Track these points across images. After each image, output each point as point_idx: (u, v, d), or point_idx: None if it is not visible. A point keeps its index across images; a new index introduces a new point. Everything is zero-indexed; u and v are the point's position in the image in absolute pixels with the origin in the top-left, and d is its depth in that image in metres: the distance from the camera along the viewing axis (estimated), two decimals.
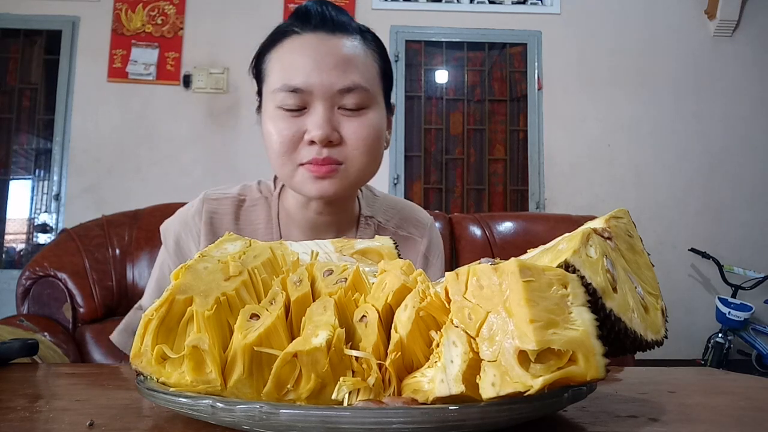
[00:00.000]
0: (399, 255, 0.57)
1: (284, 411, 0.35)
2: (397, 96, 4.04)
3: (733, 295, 3.83)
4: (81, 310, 1.25)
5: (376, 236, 0.60)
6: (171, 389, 0.40)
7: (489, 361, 0.36)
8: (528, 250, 0.47)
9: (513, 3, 4.23)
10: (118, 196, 3.83)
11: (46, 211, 4.00)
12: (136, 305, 0.92)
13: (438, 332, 0.40)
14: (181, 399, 0.38)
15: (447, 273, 0.41)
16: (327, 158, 0.75)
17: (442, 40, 4.22)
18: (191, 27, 4.05)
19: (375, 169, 0.81)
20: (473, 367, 0.37)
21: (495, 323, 0.37)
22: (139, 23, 4.02)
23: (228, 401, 0.37)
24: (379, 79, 0.81)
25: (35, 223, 4.04)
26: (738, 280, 3.84)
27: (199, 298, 0.43)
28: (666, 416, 0.45)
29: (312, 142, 0.75)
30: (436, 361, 0.39)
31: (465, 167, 4.20)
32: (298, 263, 0.51)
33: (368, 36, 0.81)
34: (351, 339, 0.42)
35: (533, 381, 0.34)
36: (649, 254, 0.49)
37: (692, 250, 3.95)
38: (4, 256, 4.02)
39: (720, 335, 3.71)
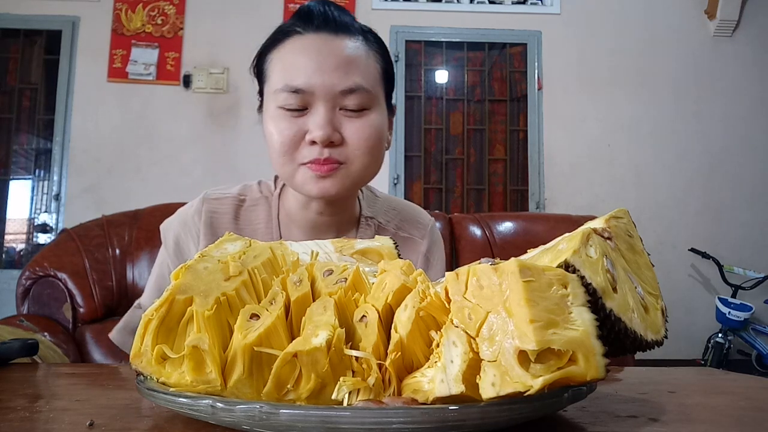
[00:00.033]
0: (399, 255, 0.57)
1: (284, 411, 0.35)
2: (397, 96, 4.04)
3: (733, 295, 3.83)
4: (81, 310, 1.25)
5: (376, 236, 0.60)
6: (171, 389, 0.40)
7: (489, 361, 0.36)
8: (528, 250, 0.47)
9: (513, 3, 4.23)
10: (118, 196, 3.83)
11: (46, 211, 4.00)
12: (135, 304, 0.92)
13: (438, 332, 0.40)
14: (181, 399, 0.38)
15: (447, 273, 0.41)
16: (328, 158, 0.75)
17: (442, 40, 4.22)
18: (191, 27, 4.05)
19: (376, 169, 0.81)
20: (473, 367, 0.37)
21: (495, 323, 0.37)
22: (139, 23, 4.02)
23: (228, 401, 0.37)
24: (381, 80, 0.81)
25: (35, 223, 4.04)
26: (738, 280, 3.84)
27: (199, 298, 0.43)
28: (666, 416, 0.45)
29: (313, 143, 0.75)
30: (436, 361, 0.39)
31: (465, 167, 4.20)
32: (298, 263, 0.51)
33: (370, 37, 0.81)
34: (351, 339, 0.42)
35: (533, 381, 0.34)
36: (649, 254, 0.49)
37: (692, 250, 3.95)
38: (4, 256, 4.02)
39: (720, 335, 3.71)
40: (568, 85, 4.17)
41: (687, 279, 4.10)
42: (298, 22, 0.79)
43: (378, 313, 0.43)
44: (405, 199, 1.45)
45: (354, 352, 0.41)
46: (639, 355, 0.54)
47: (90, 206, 3.79)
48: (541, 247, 0.46)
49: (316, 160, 0.75)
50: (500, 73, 4.27)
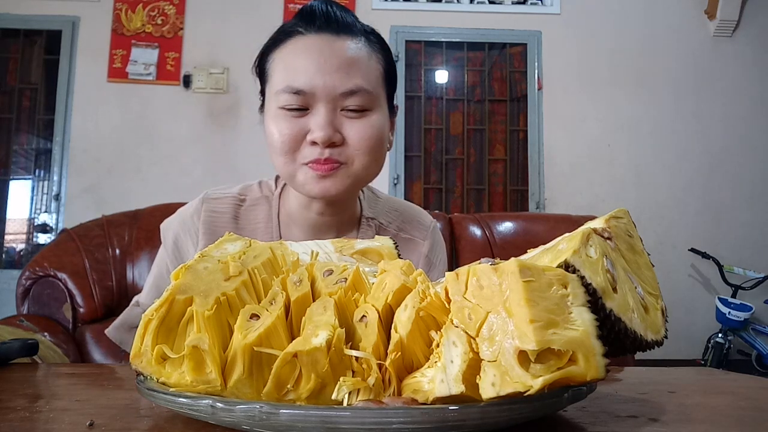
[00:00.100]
0: (399, 255, 0.57)
1: (284, 411, 0.35)
2: (398, 96, 4.04)
3: (733, 295, 3.83)
4: (81, 310, 1.25)
5: (376, 236, 0.60)
6: (171, 389, 0.40)
7: (489, 361, 0.36)
8: (528, 250, 0.47)
9: (513, 3, 4.23)
10: (118, 196, 3.83)
11: (46, 211, 4.00)
12: (132, 301, 0.92)
13: (438, 332, 0.40)
14: (181, 399, 0.38)
15: (447, 273, 0.41)
16: (328, 158, 0.75)
17: (442, 40, 4.22)
18: (191, 27, 4.05)
19: (377, 170, 0.81)
20: (473, 367, 0.37)
21: (495, 323, 0.37)
22: (139, 23, 4.02)
23: (228, 401, 0.37)
24: (383, 81, 0.81)
25: (35, 223, 4.04)
26: (738, 280, 3.84)
27: (199, 298, 0.43)
28: (666, 416, 0.45)
29: (314, 143, 0.75)
30: (436, 361, 0.39)
31: (465, 167, 4.20)
32: (298, 263, 0.51)
33: (372, 37, 0.81)
34: (351, 339, 0.42)
35: (533, 381, 0.34)
36: (649, 254, 0.49)
37: (692, 250, 3.95)
38: (4, 256, 4.02)
39: (720, 335, 3.71)
40: (568, 85, 4.17)
41: (687, 279, 4.10)
42: (300, 22, 0.79)
43: (378, 313, 0.43)
44: (405, 199, 1.45)
45: (354, 352, 0.41)
46: (639, 355, 0.54)
47: (90, 206, 3.79)
48: (541, 247, 0.46)
49: (317, 160, 0.75)
50: (500, 73, 4.27)
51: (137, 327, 0.43)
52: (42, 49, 4.09)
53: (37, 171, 4.10)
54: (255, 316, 0.42)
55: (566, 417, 0.44)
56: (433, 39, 4.21)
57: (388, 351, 0.41)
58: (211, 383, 0.40)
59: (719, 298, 3.81)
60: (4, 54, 4.09)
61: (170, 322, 0.42)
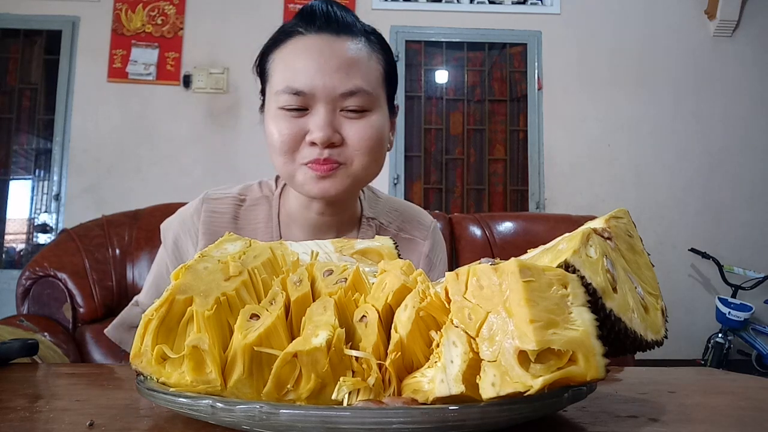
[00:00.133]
0: (399, 255, 0.57)
1: (284, 411, 0.35)
2: (398, 96, 4.04)
3: (733, 295, 3.83)
4: (81, 310, 1.25)
5: (376, 236, 0.60)
6: (171, 389, 0.40)
7: (489, 361, 0.36)
8: (528, 250, 0.47)
9: (513, 3, 4.23)
10: (118, 196, 3.83)
11: (46, 211, 4.00)
12: (132, 301, 0.92)
13: (438, 332, 0.40)
14: (181, 399, 0.38)
15: (447, 273, 0.41)
16: (328, 159, 0.75)
17: (442, 40, 4.22)
18: (191, 27, 4.05)
19: (377, 170, 0.81)
20: (473, 367, 0.37)
21: (495, 323, 0.37)
22: (139, 23, 4.02)
23: (228, 401, 0.37)
24: (383, 82, 0.81)
25: (35, 223, 4.04)
26: (738, 280, 3.84)
27: (199, 298, 0.43)
28: (666, 416, 0.45)
29: (313, 143, 0.75)
30: (436, 361, 0.39)
31: (465, 167, 4.20)
32: (298, 263, 0.51)
33: (373, 38, 0.81)
34: (351, 339, 0.42)
35: (533, 381, 0.34)
36: (649, 254, 0.49)
37: (692, 250, 3.95)
38: (4, 256, 4.02)
39: (720, 335, 3.71)
40: (568, 85, 4.17)
41: (687, 279, 4.10)
42: (301, 22, 0.79)
43: (378, 313, 0.43)
44: (405, 199, 1.45)
45: (354, 352, 0.41)
46: (639, 355, 0.54)
47: (90, 206, 3.79)
48: (541, 247, 0.46)
49: (316, 160, 0.75)
50: (500, 73, 4.27)
51: (136, 326, 0.43)
52: (42, 49, 4.09)
53: (37, 171, 4.10)
54: (255, 316, 0.42)
55: (566, 417, 0.44)
56: (433, 39, 4.21)
57: (388, 351, 0.41)
58: (211, 383, 0.40)
59: (719, 298, 3.81)
60: (4, 54, 4.09)
61: (170, 322, 0.42)
